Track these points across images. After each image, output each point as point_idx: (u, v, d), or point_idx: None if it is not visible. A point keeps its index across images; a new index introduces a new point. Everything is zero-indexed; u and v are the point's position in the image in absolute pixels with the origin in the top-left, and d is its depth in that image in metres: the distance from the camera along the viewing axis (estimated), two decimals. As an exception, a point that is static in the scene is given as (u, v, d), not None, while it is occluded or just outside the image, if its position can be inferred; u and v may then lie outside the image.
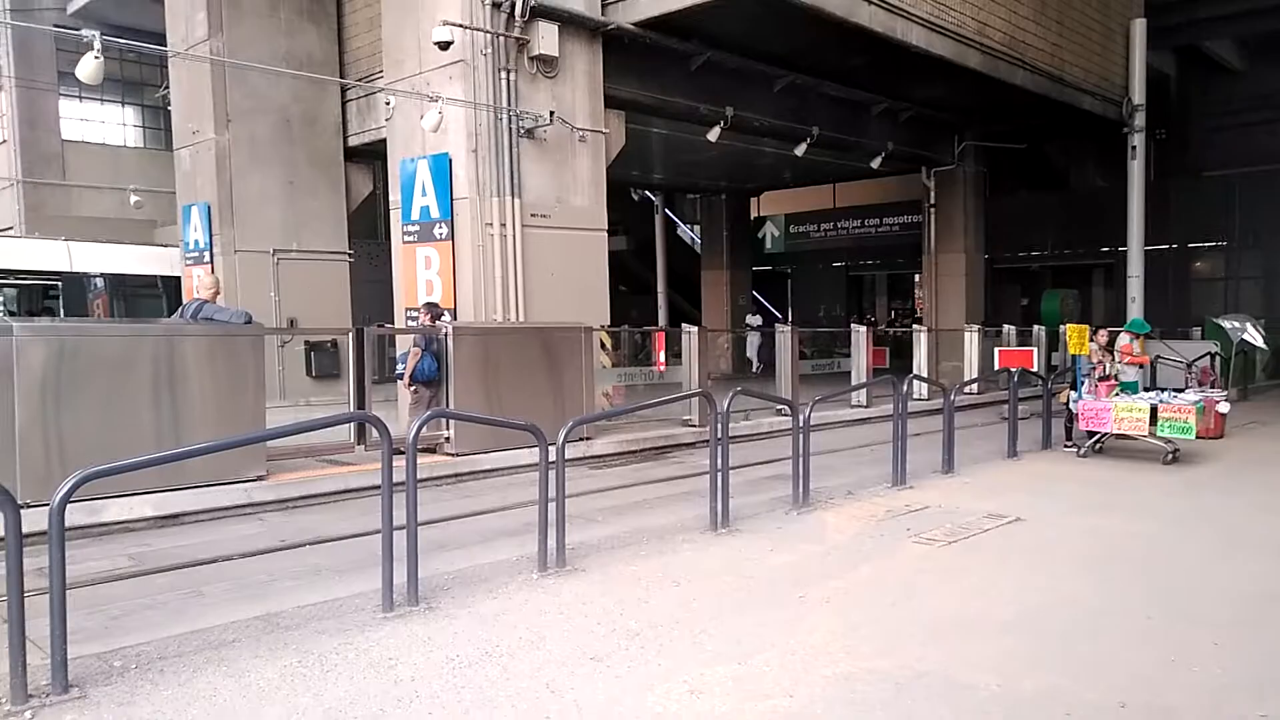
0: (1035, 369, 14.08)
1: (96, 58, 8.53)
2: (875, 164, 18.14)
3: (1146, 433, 9.47)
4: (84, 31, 8.57)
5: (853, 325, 15.45)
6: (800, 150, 16.28)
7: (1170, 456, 9.53)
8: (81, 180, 20.24)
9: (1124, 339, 11.62)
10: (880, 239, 26.31)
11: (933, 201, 20.96)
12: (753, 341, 21.31)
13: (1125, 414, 9.57)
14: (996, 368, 14.50)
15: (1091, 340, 10.84)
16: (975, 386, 15.10)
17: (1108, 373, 10.73)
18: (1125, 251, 18.68)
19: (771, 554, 5.96)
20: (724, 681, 3.85)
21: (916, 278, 26.63)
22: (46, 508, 3.63)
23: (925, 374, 15.17)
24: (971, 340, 16.43)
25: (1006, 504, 7.42)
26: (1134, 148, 18.27)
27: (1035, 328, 17.51)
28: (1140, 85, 18.32)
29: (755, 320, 24.08)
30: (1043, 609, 4.86)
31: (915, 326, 17.23)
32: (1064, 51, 16.76)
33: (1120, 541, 6.35)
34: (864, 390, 14.04)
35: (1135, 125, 18.28)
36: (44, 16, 18.48)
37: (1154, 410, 9.43)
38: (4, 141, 20.72)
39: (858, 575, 5.46)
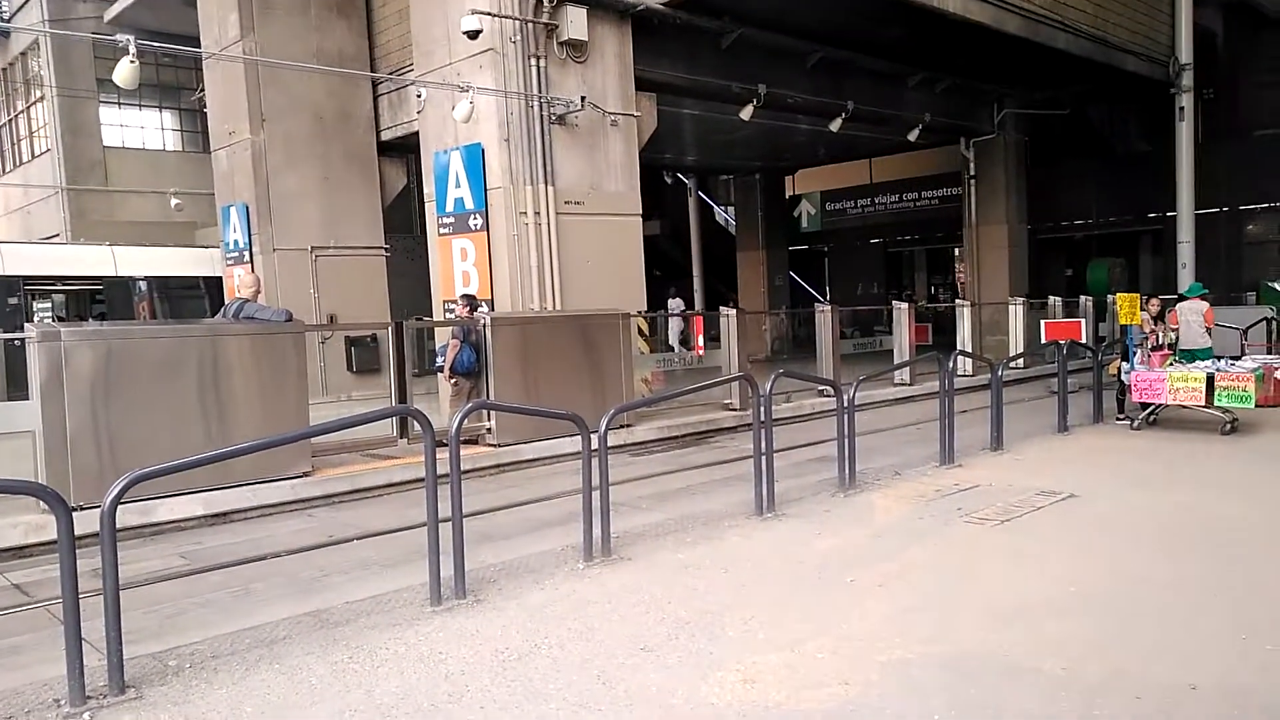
0: (1083, 340, 13.75)
1: (132, 62, 8.62)
2: (912, 136, 17.79)
3: (1203, 403, 9.19)
4: (119, 37, 8.64)
5: (894, 302, 15.20)
6: (835, 126, 16.02)
7: (1229, 427, 9.24)
8: (123, 185, 20.57)
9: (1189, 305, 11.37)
10: (919, 213, 25.86)
11: (973, 173, 20.53)
12: (674, 327, 19.92)
13: (1180, 384, 9.29)
14: (1043, 341, 14.19)
15: (1143, 309, 10.54)
16: (1021, 361, 14.81)
17: (1160, 342, 10.43)
18: (1174, 217, 18.15)
19: (819, 538, 5.86)
20: (777, 669, 3.78)
21: (957, 252, 26.16)
22: (99, 509, 3.67)
23: (969, 349, 14.89)
24: (1016, 313, 16.08)
25: (1059, 480, 7.23)
26: (1181, 108, 17.73)
27: (1082, 298, 17.11)
28: (1187, 43, 17.74)
29: (676, 305, 22.70)
30: (1104, 588, 4.71)
31: (957, 301, 16.91)
32: (1107, 12, 16.27)
33: (1180, 516, 6.15)
34: (907, 368, 13.81)
35: (1182, 85, 17.73)
36: (82, 25, 18.76)
37: (1210, 379, 9.14)
38: (47, 150, 21.13)
39: (909, 558, 5.35)
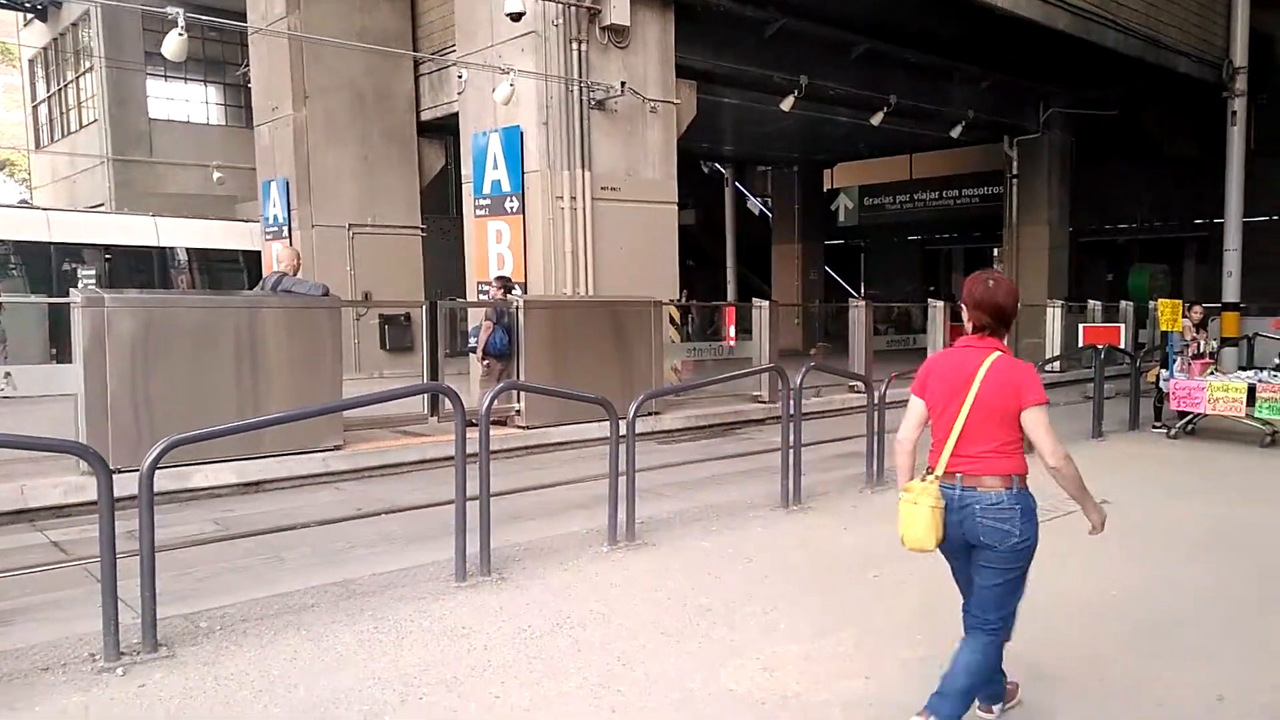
0: (1122, 346, 13.53)
1: (181, 34, 8.75)
2: (955, 133, 17.56)
3: (1243, 414, 9.01)
4: (169, 9, 8.77)
5: (929, 300, 15.05)
6: (877, 119, 15.85)
7: (1269, 439, 9.06)
8: (167, 158, 20.89)
9: None
10: (958, 211, 25.53)
11: (1015, 172, 20.22)
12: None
13: (1220, 394, 9.11)
14: (1080, 345, 13.99)
15: (1185, 316, 10.34)
16: (1058, 365, 14.59)
17: (1201, 350, 10.23)
18: (1221, 224, 17.74)
19: (845, 533, 5.84)
20: (798, 660, 3.78)
21: (996, 252, 25.79)
22: (136, 473, 3.74)
23: (1004, 351, 14.70)
24: (1054, 316, 15.87)
25: (1092, 486, 7.06)
26: (1234, 113, 17.29)
27: (1122, 304, 16.83)
28: (1242, 47, 17.28)
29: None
30: (1134, 595, 4.65)
31: (994, 302, 16.66)
32: (1160, 12, 15.93)
33: (1215, 526, 6.05)
34: (940, 367, 13.66)
35: (1235, 89, 17.29)
36: (132, -2, 19.04)
37: (1251, 390, 8.96)
38: (94, 121, 21.50)
39: (936, 556, 5.30)
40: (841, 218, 28.25)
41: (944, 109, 17.10)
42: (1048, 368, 12.79)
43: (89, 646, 3.73)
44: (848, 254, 29.79)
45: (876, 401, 7.29)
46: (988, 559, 3.01)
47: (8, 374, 7.01)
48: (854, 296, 22.00)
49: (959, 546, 3.10)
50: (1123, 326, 15.07)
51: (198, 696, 3.39)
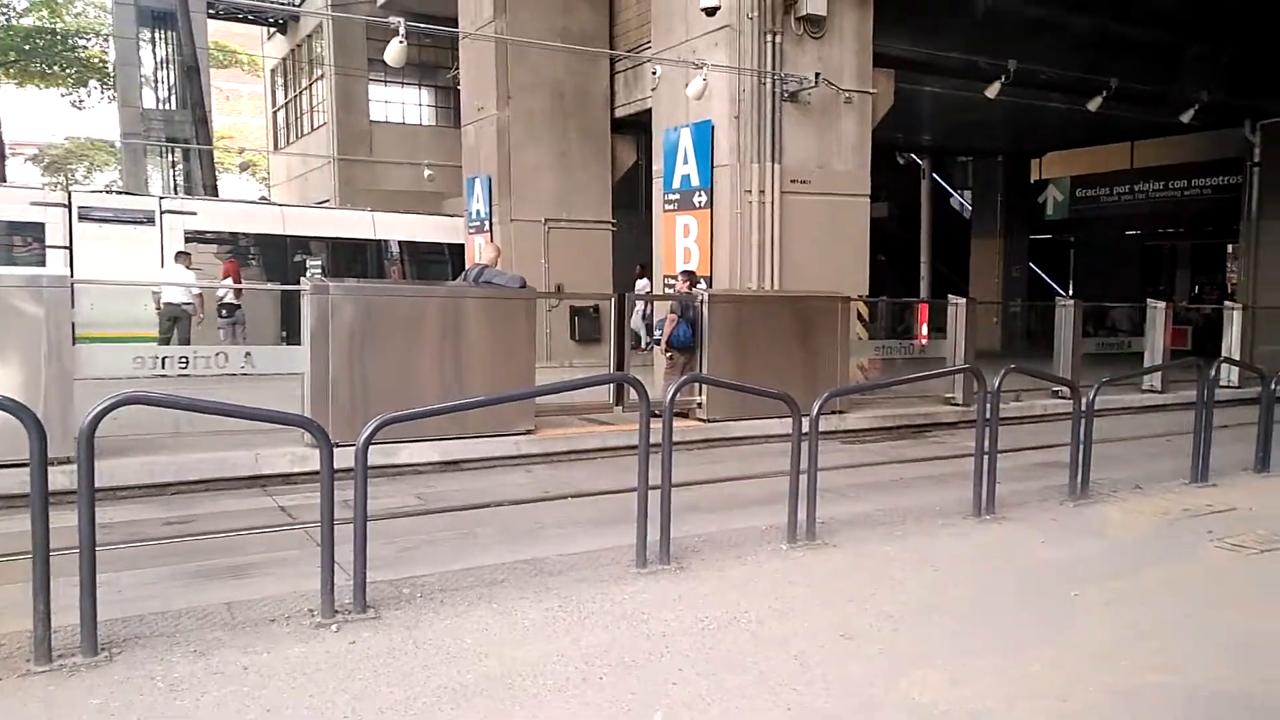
0: (1386, 356, 11.89)
1: (401, 42, 9.41)
2: (1186, 118, 15.96)
3: None
4: (391, 20, 9.46)
5: (1149, 300, 13.82)
6: (1094, 105, 14.69)
7: None
8: (384, 157, 22.58)
9: None
10: (1185, 203, 23.15)
11: (1257, 159, 18.12)
12: (639, 312, 12.67)
13: None
14: (1334, 353, 12.41)
15: None
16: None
17: None
18: None
19: (1043, 546, 5.49)
20: (987, 675, 3.60)
21: (1230, 248, 23.29)
22: (351, 447, 4.08)
23: (1237, 357, 13.28)
24: (1303, 320, 14.14)
25: (1341, 512, 6.32)
26: None
27: (1389, 307, 14.77)
28: None
29: (644, 286, 16.37)
30: (1389, 640, 4.09)
31: (1226, 304, 15.08)
32: None
33: None
34: (1159, 374, 12.55)
35: None
36: (358, 9, 20.70)
37: None
38: (324, 124, 23.56)
39: (1145, 578, 4.89)
40: (1049, 211, 26.35)
41: (1172, 91, 15.60)
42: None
43: (308, 603, 4.11)
44: (1055, 250, 27.82)
45: (1084, 408, 6.78)
46: None
47: (248, 354, 7.84)
48: (1061, 295, 20.51)
49: None
50: (1388, 333, 13.22)
51: (400, 657, 3.67)
